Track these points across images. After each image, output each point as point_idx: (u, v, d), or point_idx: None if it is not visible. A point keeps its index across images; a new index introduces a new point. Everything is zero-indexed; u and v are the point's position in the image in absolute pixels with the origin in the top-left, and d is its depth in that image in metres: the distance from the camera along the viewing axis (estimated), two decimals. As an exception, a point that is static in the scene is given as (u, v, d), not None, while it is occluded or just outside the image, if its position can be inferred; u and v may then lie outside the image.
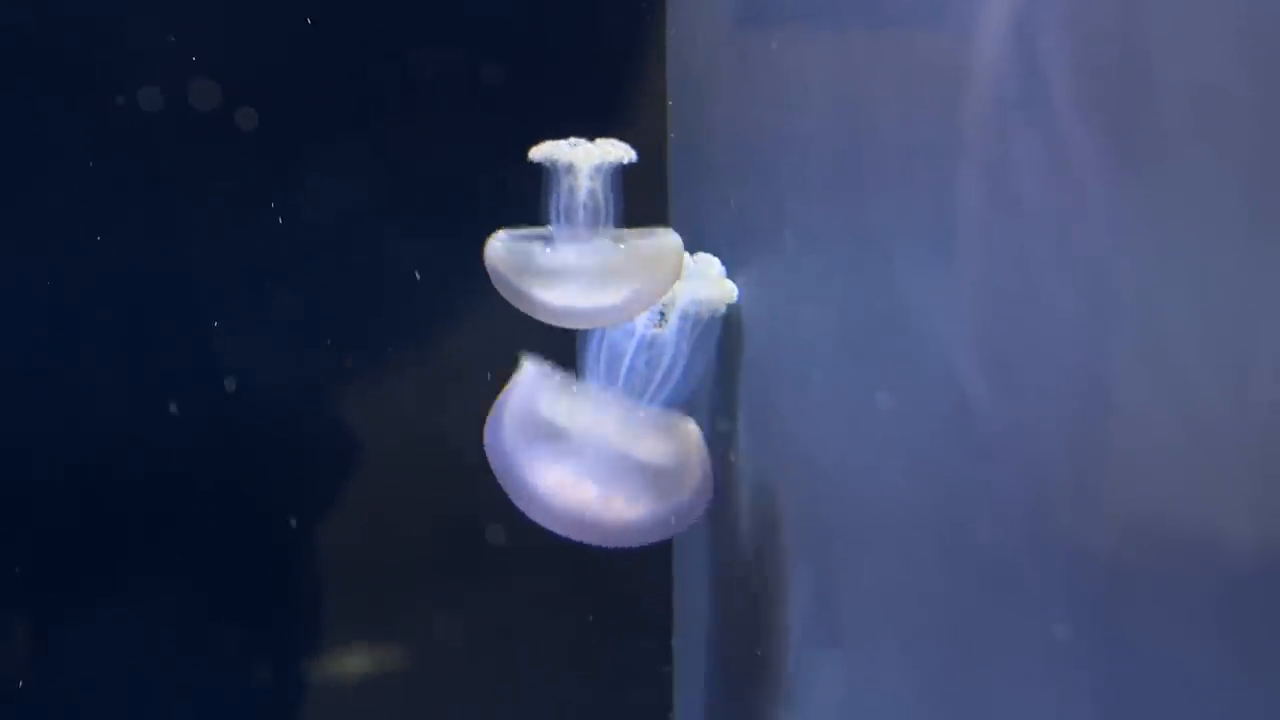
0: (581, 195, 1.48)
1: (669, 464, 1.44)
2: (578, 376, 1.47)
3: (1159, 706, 0.80)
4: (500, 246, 1.47)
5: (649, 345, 1.46)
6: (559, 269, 1.45)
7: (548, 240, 1.48)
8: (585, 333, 1.48)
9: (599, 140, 1.49)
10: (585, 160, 1.47)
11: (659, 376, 1.46)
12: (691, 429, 1.47)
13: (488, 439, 1.48)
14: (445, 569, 1.93)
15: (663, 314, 1.48)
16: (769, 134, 1.48)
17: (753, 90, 1.53)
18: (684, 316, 1.48)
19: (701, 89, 1.74)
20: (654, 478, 1.43)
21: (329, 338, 1.87)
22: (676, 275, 1.49)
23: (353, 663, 1.94)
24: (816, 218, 1.36)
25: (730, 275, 1.63)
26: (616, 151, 1.48)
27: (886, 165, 1.17)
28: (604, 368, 1.46)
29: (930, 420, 1.09)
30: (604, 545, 1.44)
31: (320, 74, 1.78)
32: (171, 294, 1.81)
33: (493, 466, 1.48)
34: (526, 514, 1.44)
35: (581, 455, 1.43)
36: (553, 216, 1.49)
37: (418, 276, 1.80)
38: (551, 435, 1.44)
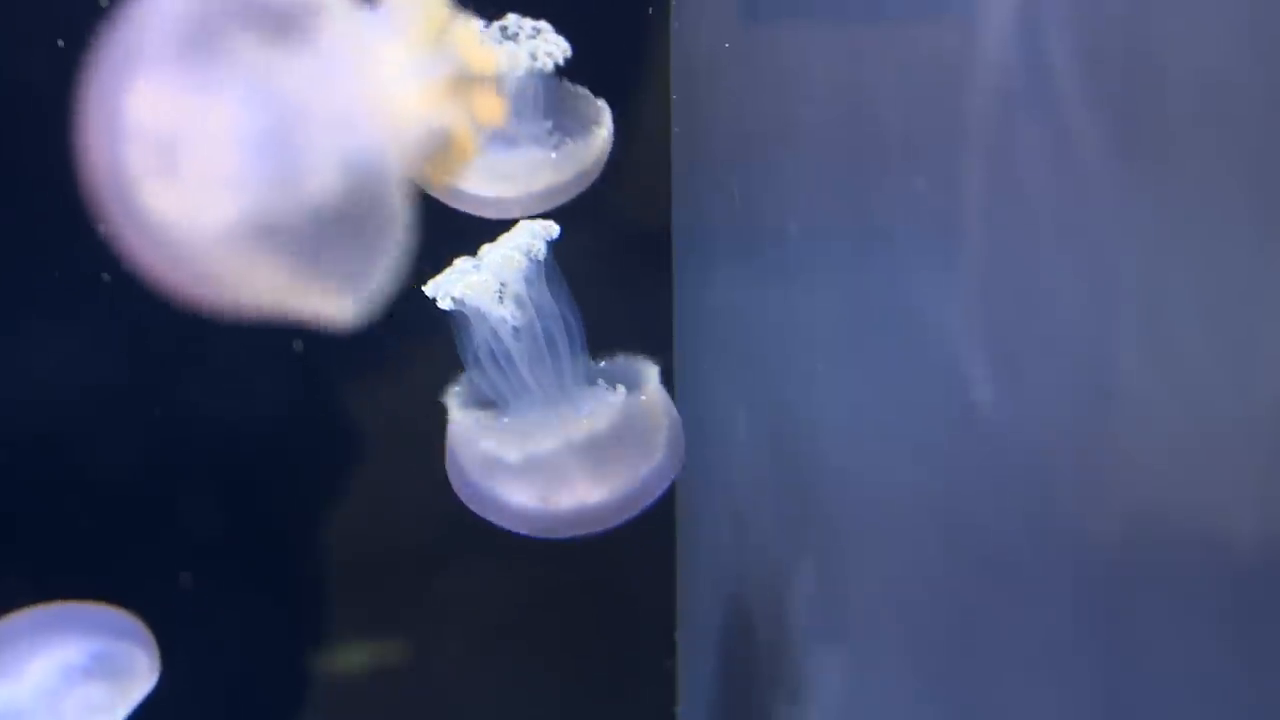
0: (509, 94, 1.36)
1: (629, 420, 1.30)
2: (494, 397, 1.32)
3: (1162, 700, 0.80)
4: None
5: (520, 326, 1.27)
6: (485, 171, 1.36)
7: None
8: (464, 356, 1.33)
9: (527, 27, 1.37)
10: (509, 66, 1.34)
11: (549, 343, 1.29)
12: (628, 374, 1.35)
13: (459, 491, 1.36)
14: (445, 565, 1.93)
15: (502, 295, 1.27)
16: (773, 126, 1.47)
17: (756, 82, 1.53)
18: (524, 280, 1.27)
19: (705, 81, 1.74)
20: (624, 440, 1.30)
21: (328, 333, 1.86)
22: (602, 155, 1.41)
23: (353, 661, 1.94)
24: (821, 210, 1.35)
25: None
26: (547, 51, 1.35)
27: (891, 157, 1.16)
28: (503, 374, 1.29)
29: (934, 412, 1.09)
30: (614, 523, 1.37)
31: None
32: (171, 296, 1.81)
33: (478, 513, 1.37)
34: (528, 534, 1.37)
35: (550, 466, 1.28)
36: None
37: (420, 275, 1.80)
38: (512, 468, 1.29)
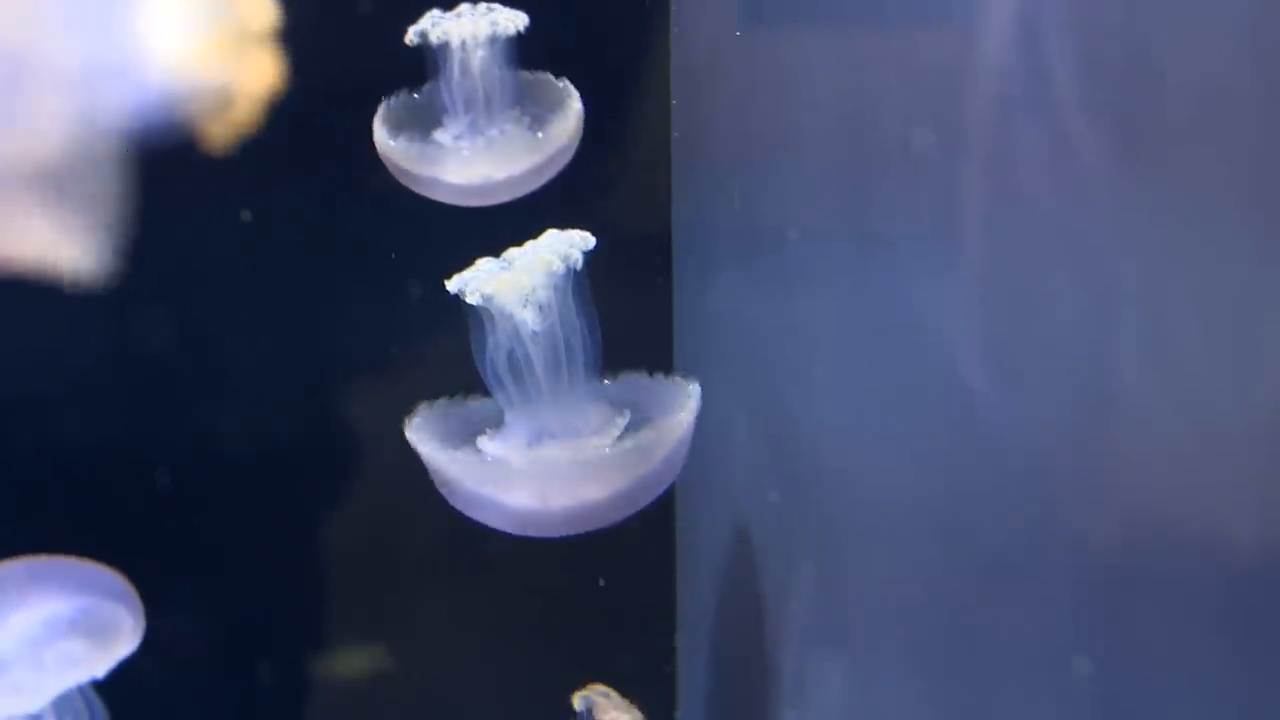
0: (475, 72, 1.40)
1: (640, 443, 1.27)
2: (492, 400, 1.30)
3: (1161, 704, 0.80)
4: (394, 143, 1.40)
5: (542, 332, 1.25)
6: (466, 157, 1.38)
7: (445, 126, 1.41)
8: (479, 356, 1.30)
9: (481, 7, 1.40)
10: (472, 33, 1.39)
11: (566, 353, 1.27)
12: (631, 381, 1.33)
13: (450, 495, 1.34)
14: (445, 569, 1.93)
15: (527, 303, 1.24)
16: (773, 130, 1.47)
17: (756, 88, 1.53)
18: (552, 287, 1.25)
19: (705, 86, 1.74)
20: (631, 459, 1.27)
21: (328, 338, 1.87)
22: (577, 132, 1.42)
23: (353, 663, 1.94)
24: (821, 215, 1.35)
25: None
26: (506, 20, 1.40)
27: (891, 163, 1.17)
28: (514, 380, 1.27)
29: (934, 417, 1.09)
30: (610, 523, 1.34)
31: (321, 77, 1.78)
32: (175, 303, 1.81)
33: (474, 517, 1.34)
34: (525, 534, 1.35)
35: (553, 474, 1.26)
36: (446, 99, 1.43)
37: (419, 280, 1.81)
38: (514, 473, 1.26)
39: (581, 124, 1.46)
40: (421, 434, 1.30)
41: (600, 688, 1.52)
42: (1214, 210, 0.74)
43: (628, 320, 1.85)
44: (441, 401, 1.34)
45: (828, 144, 1.31)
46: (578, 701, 1.49)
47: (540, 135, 1.42)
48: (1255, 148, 0.71)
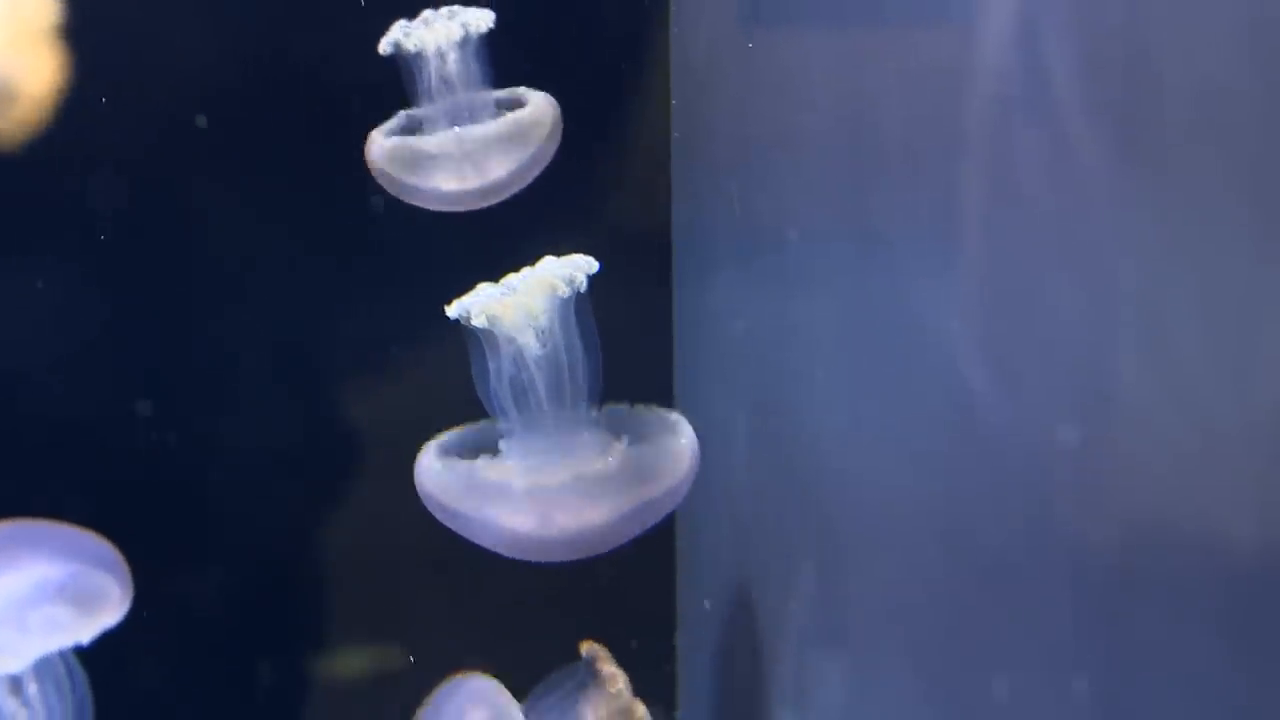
0: (452, 75, 1.42)
1: (631, 458, 1.29)
2: (494, 424, 1.31)
3: (1160, 703, 0.80)
4: (383, 148, 1.43)
5: (544, 355, 1.25)
6: (448, 153, 1.41)
7: (427, 128, 1.43)
8: (480, 379, 1.30)
9: (444, 11, 1.43)
10: (445, 37, 1.41)
11: (568, 376, 1.27)
12: (630, 414, 1.33)
13: (443, 518, 1.36)
14: (444, 569, 1.93)
15: (530, 327, 1.24)
16: (772, 132, 1.47)
17: (756, 89, 1.53)
18: (555, 310, 1.25)
19: (704, 87, 1.74)
20: (622, 479, 1.28)
21: (328, 340, 1.87)
22: (556, 131, 1.45)
23: (353, 663, 1.94)
24: (820, 216, 1.35)
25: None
26: (475, 20, 1.43)
27: (890, 163, 1.17)
28: (515, 403, 1.27)
29: (934, 418, 1.09)
30: (609, 549, 1.36)
31: (321, 72, 1.78)
32: (174, 301, 1.82)
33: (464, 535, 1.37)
34: (519, 558, 1.34)
35: (553, 497, 1.27)
36: (425, 102, 1.45)
37: (418, 280, 1.80)
38: (514, 497, 1.28)
39: (557, 116, 1.48)
40: (429, 471, 1.30)
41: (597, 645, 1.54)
42: (1214, 211, 0.74)
43: (628, 321, 1.85)
44: (444, 435, 1.35)
45: (827, 144, 1.31)
46: (584, 649, 1.51)
47: (510, 127, 1.44)
48: (1255, 148, 0.71)
